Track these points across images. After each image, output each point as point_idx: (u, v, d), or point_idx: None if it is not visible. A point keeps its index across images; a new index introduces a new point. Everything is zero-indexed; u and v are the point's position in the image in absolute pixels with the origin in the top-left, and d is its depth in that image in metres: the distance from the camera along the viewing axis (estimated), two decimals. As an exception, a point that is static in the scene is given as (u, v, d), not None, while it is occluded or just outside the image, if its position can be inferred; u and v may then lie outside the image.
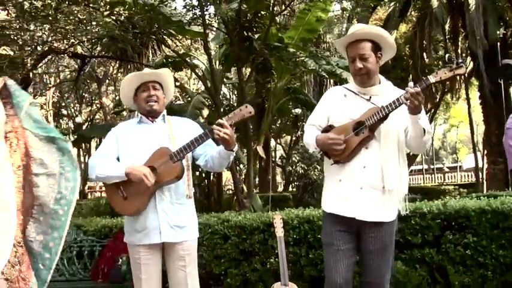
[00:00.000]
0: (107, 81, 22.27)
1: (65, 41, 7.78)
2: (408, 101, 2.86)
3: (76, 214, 6.77)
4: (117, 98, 24.10)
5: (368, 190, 3.06)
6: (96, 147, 23.34)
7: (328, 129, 3.19)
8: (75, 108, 26.55)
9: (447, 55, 3.26)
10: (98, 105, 24.29)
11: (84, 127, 27.42)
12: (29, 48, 7.65)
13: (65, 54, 9.07)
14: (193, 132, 3.30)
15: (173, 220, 3.21)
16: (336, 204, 3.13)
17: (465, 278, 4.56)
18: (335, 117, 3.20)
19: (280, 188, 25.12)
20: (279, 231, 4.24)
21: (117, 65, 13.28)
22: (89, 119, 27.14)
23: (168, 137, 3.31)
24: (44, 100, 22.20)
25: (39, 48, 7.69)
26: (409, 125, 3.05)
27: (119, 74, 14.32)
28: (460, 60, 2.90)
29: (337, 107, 3.21)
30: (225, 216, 5.06)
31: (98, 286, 4.88)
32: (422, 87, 2.88)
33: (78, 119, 27.11)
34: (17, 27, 7.00)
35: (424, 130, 2.99)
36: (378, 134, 3.06)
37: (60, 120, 28.84)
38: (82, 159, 29.09)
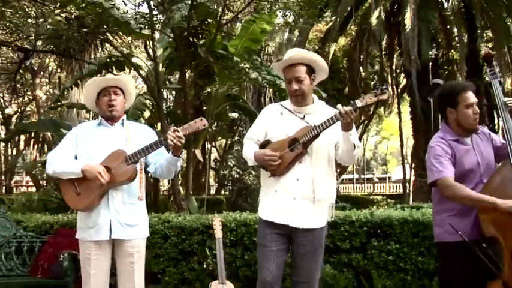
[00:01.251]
0: (42, 73, 21.62)
1: (10, 34, 7.70)
2: (342, 118, 3.17)
3: (6, 209, 6.69)
4: (53, 92, 23.47)
5: (300, 200, 3.34)
6: (25, 142, 22.40)
7: (265, 144, 3.44)
8: (4, 98, 25.50)
9: (373, 82, 3.63)
10: (30, 97, 23.45)
11: (13, 118, 26.46)
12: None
13: (8, 47, 8.93)
14: (149, 138, 3.44)
15: (124, 219, 3.35)
16: (272, 213, 3.38)
17: (387, 281, 4.88)
18: (272, 133, 3.46)
19: (213, 191, 25.19)
20: (218, 233, 4.44)
21: (57, 60, 13.06)
22: (19, 110, 26.16)
23: (125, 141, 3.44)
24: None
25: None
26: (340, 141, 3.34)
27: (60, 70, 14.08)
28: (384, 87, 3.22)
29: (274, 123, 3.48)
30: (166, 216, 5.19)
31: (37, 282, 4.92)
32: (353, 108, 3.18)
33: (8, 110, 26.13)
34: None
35: (354, 145, 3.31)
36: (310, 150, 3.34)
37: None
38: (9, 151, 28.14)
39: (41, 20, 7.14)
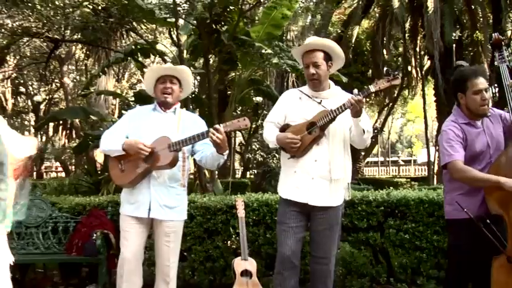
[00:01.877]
0: (69, 61, 22.04)
1: (41, 25, 8.02)
2: (352, 106, 3.37)
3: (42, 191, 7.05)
4: (79, 79, 23.88)
5: (318, 180, 3.58)
6: (54, 128, 22.72)
7: (285, 127, 3.69)
8: (33, 86, 26.02)
9: (385, 68, 3.78)
10: (57, 84, 23.92)
11: (42, 106, 26.99)
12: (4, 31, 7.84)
13: (39, 38, 9.28)
14: (198, 129, 3.65)
15: (163, 200, 3.60)
16: (292, 192, 3.63)
17: (404, 259, 5.04)
18: (291, 117, 3.70)
19: (238, 175, 25.44)
20: (241, 213, 4.69)
21: (85, 49, 13.39)
22: (47, 98, 26.69)
23: (174, 128, 3.67)
24: (1, 76, 21.81)
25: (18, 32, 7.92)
26: (352, 126, 3.57)
27: (87, 58, 14.42)
28: (396, 72, 3.46)
29: (293, 107, 3.72)
30: (191, 197, 5.40)
31: (72, 259, 5.23)
32: (364, 95, 3.42)
33: (37, 98, 26.67)
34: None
35: (364, 130, 3.53)
36: (327, 133, 3.58)
37: (18, 98, 28.34)
38: (39, 138, 28.68)
39: (67, 10, 7.41)
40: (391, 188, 5.51)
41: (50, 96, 26.60)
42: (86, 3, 7.54)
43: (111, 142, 3.65)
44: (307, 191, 3.59)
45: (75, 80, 24.80)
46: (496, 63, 3.62)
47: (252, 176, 19.82)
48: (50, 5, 7.10)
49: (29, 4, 6.94)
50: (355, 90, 3.47)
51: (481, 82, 3.38)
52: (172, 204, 3.66)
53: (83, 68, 21.70)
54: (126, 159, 3.58)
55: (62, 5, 7.35)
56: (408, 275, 5.09)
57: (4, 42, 8.62)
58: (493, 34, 3.78)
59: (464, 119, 3.46)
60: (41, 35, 8.85)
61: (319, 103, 3.67)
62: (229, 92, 13.03)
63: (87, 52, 13.45)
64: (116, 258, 5.24)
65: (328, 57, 3.69)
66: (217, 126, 3.43)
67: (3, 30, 7.91)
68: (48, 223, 5.38)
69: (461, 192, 3.40)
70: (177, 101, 3.85)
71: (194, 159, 3.95)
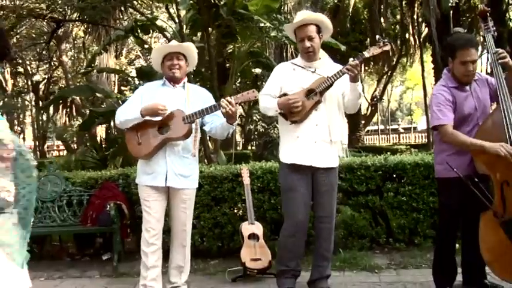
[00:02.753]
0: (66, 39, 22.05)
1: (43, 5, 8.19)
2: (349, 72, 3.63)
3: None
4: (77, 56, 23.90)
5: (320, 143, 3.86)
6: (54, 107, 22.61)
7: (282, 96, 3.91)
8: (31, 66, 25.98)
9: (377, 36, 4.07)
10: (55, 62, 23.95)
11: (41, 85, 27.03)
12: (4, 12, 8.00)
13: (43, 19, 9.45)
14: (207, 101, 3.91)
15: (178, 169, 3.85)
16: (296, 156, 3.88)
17: (402, 220, 5.31)
18: (288, 87, 3.94)
19: (239, 147, 25.66)
20: (246, 180, 4.94)
21: (85, 27, 13.51)
22: (46, 76, 26.71)
23: (184, 101, 3.89)
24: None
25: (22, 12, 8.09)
26: (347, 91, 3.84)
27: (88, 36, 14.57)
28: (386, 40, 3.78)
29: (288, 78, 3.96)
30: (199, 167, 5.68)
31: (87, 229, 5.51)
32: (359, 60, 3.69)
33: (36, 77, 26.71)
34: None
35: (360, 94, 3.83)
36: (323, 99, 3.83)
37: (17, 78, 28.38)
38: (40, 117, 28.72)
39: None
40: (389, 153, 5.74)
41: (49, 75, 26.64)
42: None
43: (126, 113, 3.88)
44: (311, 154, 3.85)
45: (73, 58, 24.85)
46: (481, 33, 3.83)
47: (253, 148, 20.04)
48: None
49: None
50: (351, 59, 3.72)
51: (470, 54, 3.55)
52: (186, 173, 3.91)
53: (81, 45, 21.74)
54: (142, 133, 3.81)
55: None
56: (406, 235, 5.36)
57: (8, 25, 8.76)
58: (479, 6, 3.98)
59: (453, 83, 3.68)
60: (44, 16, 9.03)
61: (313, 72, 3.93)
62: (227, 65, 13.15)
63: (88, 30, 13.56)
64: (129, 228, 5.56)
65: (319, 30, 3.93)
66: (229, 98, 3.66)
67: (7, 11, 8.06)
68: (63, 197, 5.63)
69: (450, 153, 3.65)
70: (184, 75, 4.06)
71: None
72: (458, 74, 3.62)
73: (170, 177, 3.85)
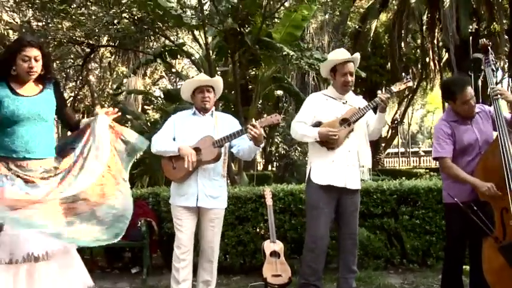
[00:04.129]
0: (92, 57, 22.57)
1: (86, 36, 8.77)
2: (382, 103, 4.11)
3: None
4: (103, 76, 24.49)
5: (352, 167, 4.27)
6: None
7: (317, 124, 4.30)
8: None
9: (403, 74, 4.56)
10: (81, 81, 24.55)
11: (68, 102, 27.60)
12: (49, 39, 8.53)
13: (80, 45, 10.06)
14: (233, 127, 4.27)
15: (208, 191, 4.17)
16: (330, 178, 4.24)
17: (415, 242, 5.60)
18: (321, 116, 4.32)
19: (260, 167, 25.91)
20: (269, 201, 5.26)
21: (115, 51, 14.07)
22: (72, 95, 27.23)
23: (213, 128, 4.25)
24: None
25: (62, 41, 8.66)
26: (373, 120, 4.33)
27: (110, 56, 15.12)
28: (409, 77, 4.33)
29: (322, 108, 4.36)
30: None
31: (119, 244, 5.81)
32: (390, 94, 4.21)
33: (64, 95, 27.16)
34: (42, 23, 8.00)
35: (385, 122, 4.29)
36: (353, 127, 4.25)
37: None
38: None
39: (103, 17, 8.10)
40: (404, 178, 6.03)
41: (75, 93, 27.18)
42: (124, 14, 8.20)
43: (164, 144, 4.24)
44: (345, 177, 4.24)
45: (99, 77, 25.42)
46: (482, 66, 4.13)
47: (274, 169, 20.32)
48: (93, 17, 7.82)
49: (74, 17, 7.66)
50: (379, 91, 4.16)
51: (469, 93, 3.88)
52: (215, 194, 4.24)
53: (106, 65, 22.30)
54: (177, 158, 4.18)
55: (104, 17, 8.03)
56: (419, 256, 5.65)
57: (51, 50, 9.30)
58: (480, 40, 4.31)
59: (454, 118, 4.02)
60: (82, 42, 9.61)
61: (345, 103, 4.37)
62: (250, 86, 13.54)
63: (118, 54, 14.10)
64: (157, 244, 5.89)
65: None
66: (254, 123, 4.01)
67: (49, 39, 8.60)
68: (96, 213, 5.98)
69: (453, 180, 3.96)
70: (212, 105, 4.45)
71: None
72: (463, 113, 3.94)
73: (201, 198, 4.17)
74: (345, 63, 4.33)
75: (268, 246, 5.07)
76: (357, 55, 4.47)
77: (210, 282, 4.39)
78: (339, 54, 4.42)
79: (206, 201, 4.19)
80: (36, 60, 3.18)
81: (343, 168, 4.22)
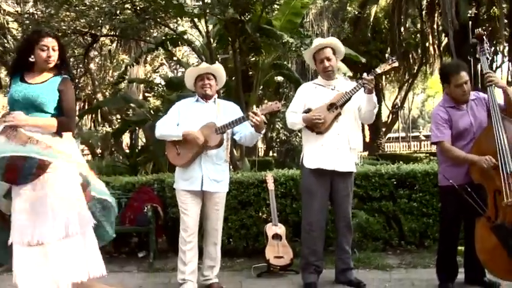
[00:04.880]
0: (94, 46, 22.60)
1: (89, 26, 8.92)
2: (365, 85, 4.21)
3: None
4: (104, 64, 24.57)
5: (341, 150, 4.40)
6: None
7: (307, 111, 4.46)
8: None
9: (386, 55, 4.68)
10: (82, 70, 24.62)
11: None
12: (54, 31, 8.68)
13: (83, 35, 10.21)
14: (234, 114, 4.43)
15: (212, 175, 4.35)
16: (320, 162, 4.40)
17: (413, 224, 5.76)
18: (311, 103, 4.49)
19: (261, 153, 26.04)
20: (271, 186, 5.44)
21: (117, 40, 14.16)
22: (73, 83, 27.20)
23: (215, 115, 4.42)
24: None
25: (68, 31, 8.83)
26: (363, 103, 4.42)
27: (119, 48, 15.24)
28: (394, 58, 4.43)
29: (311, 96, 4.53)
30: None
31: (126, 229, 5.96)
32: (373, 76, 4.27)
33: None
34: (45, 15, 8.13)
35: (375, 104, 4.37)
36: (343, 111, 4.39)
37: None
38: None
39: (110, 10, 8.25)
40: (401, 162, 6.19)
41: (76, 81, 27.17)
42: (127, 5, 8.34)
43: (168, 129, 4.41)
44: (334, 160, 4.38)
45: (98, 64, 25.47)
46: (477, 55, 4.27)
47: (275, 154, 20.46)
48: (96, 8, 7.98)
49: (77, 8, 7.81)
50: (365, 74, 4.31)
51: (462, 77, 4.05)
52: (219, 178, 4.41)
53: (107, 53, 22.36)
54: (181, 144, 4.34)
55: (107, 8, 8.18)
56: (417, 238, 5.82)
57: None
58: (476, 30, 4.44)
59: (450, 103, 4.18)
60: (86, 33, 9.76)
61: (333, 89, 4.51)
62: (250, 73, 13.66)
63: (119, 42, 14.19)
64: (163, 228, 6.06)
65: (334, 52, 4.53)
66: (255, 110, 4.18)
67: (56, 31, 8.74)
68: (103, 199, 6.14)
69: (449, 164, 4.14)
70: (215, 92, 4.60)
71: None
72: (456, 96, 4.10)
73: (205, 182, 4.34)
74: (321, 50, 4.46)
75: (271, 229, 5.25)
76: (330, 39, 4.59)
77: (215, 263, 4.58)
78: (314, 43, 4.57)
79: (210, 185, 4.36)
80: (53, 50, 3.39)
81: (333, 151, 4.36)
